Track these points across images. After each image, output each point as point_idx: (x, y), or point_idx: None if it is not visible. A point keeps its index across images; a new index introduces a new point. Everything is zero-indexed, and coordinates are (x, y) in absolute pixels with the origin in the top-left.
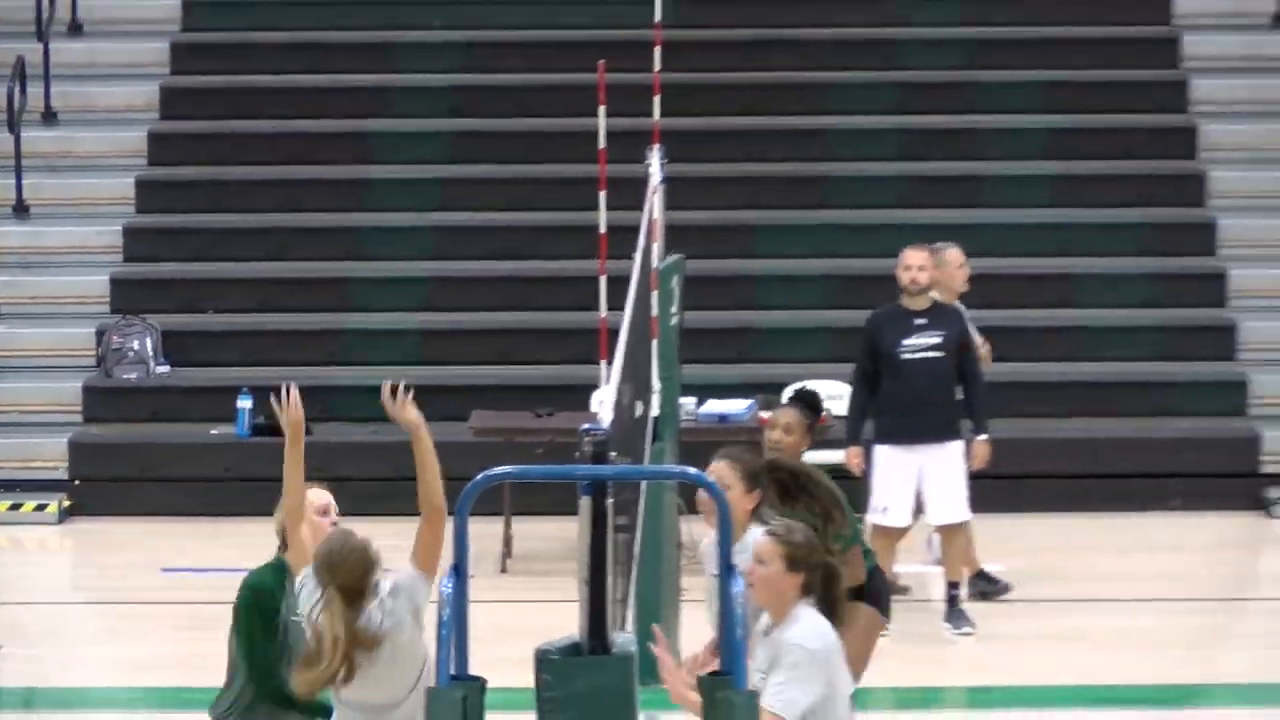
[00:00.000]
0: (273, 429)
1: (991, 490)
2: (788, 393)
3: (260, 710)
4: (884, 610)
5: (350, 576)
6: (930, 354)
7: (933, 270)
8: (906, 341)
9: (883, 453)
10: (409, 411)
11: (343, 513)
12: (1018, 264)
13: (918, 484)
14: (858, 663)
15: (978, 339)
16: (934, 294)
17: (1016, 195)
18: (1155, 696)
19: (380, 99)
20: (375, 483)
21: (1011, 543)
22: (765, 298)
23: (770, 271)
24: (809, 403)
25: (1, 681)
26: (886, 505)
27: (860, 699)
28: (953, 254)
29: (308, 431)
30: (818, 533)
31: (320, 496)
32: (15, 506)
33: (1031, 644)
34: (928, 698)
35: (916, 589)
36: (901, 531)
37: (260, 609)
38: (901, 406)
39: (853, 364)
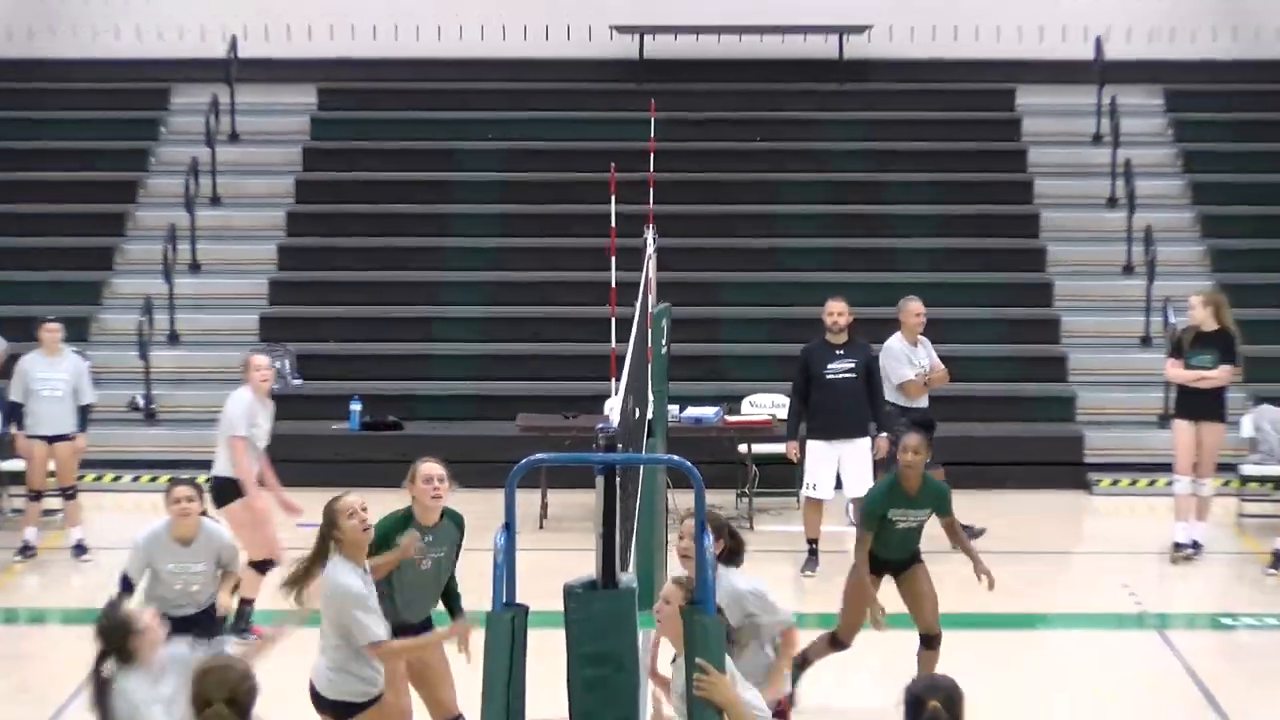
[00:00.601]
0: (375, 425)
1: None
2: (746, 403)
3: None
4: None
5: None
6: (846, 375)
7: (849, 315)
8: (830, 366)
9: (813, 446)
10: None
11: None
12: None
13: (838, 468)
14: None
15: (938, 364)
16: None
17: (910, 262)
18: (1006, 622)
19: (449, 190)
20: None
21: None
22: (728, 334)
23: (732, 316)
24: (927, 427)
25: None
26: (815, 483)
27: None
28: (913, 305)
29: (399, 427)
30: None
31: (433, 468)
32: (191, 480)
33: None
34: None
35: (837, 544)
36: (823, 503)
37: (376, 547)
38: (826, 413)
39: (790, 382)
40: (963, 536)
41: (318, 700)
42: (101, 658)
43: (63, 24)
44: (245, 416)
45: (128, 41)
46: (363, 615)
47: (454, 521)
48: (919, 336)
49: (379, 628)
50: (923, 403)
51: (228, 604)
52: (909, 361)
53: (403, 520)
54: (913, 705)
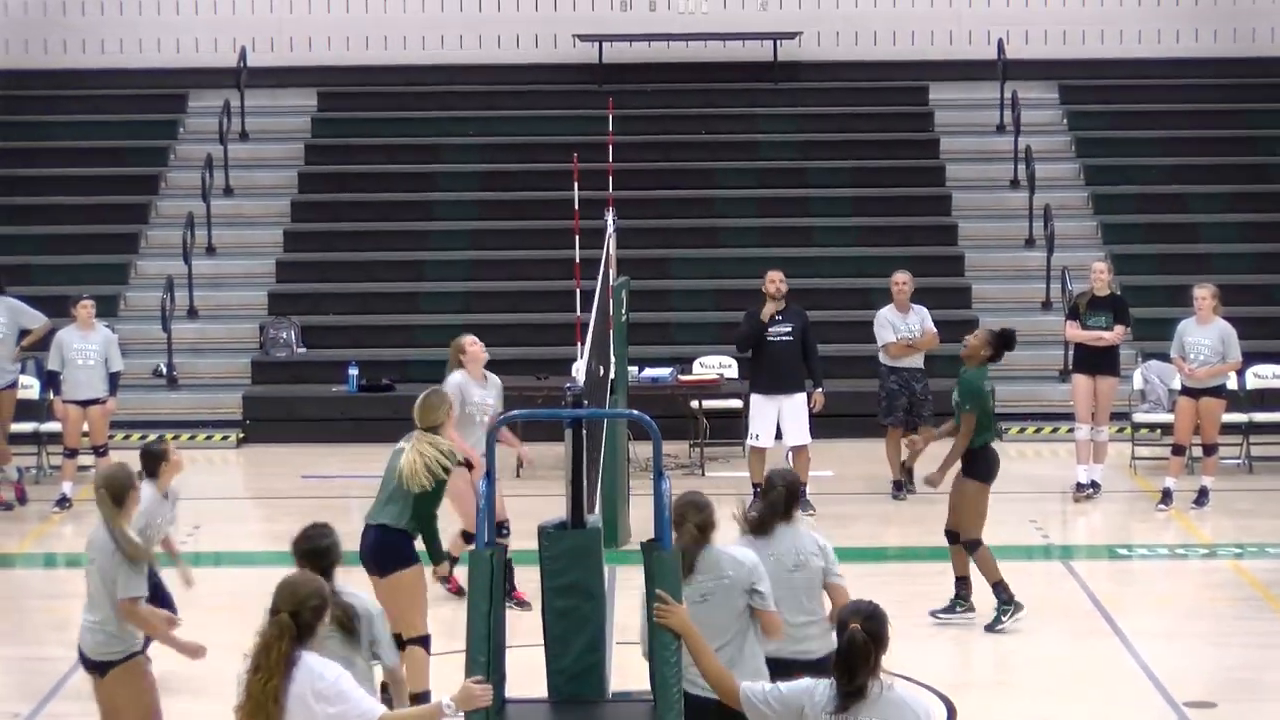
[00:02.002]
0: (371, 388)
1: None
2: (696, 364)
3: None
4: None
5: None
6: (785, 337)
7: (781, 284)
8: (770, 329)
9: (756, 400)
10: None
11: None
12: (831, 282)
13: (778, 420)
14: None
15: (928, 329)
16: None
17: (835, 239)
18: (927, 555)
19: (434, 180)
20: None
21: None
22: (679, 303)
23: (681, 288)
24: (1006, 339)
25: (196, 549)
26: (758, 434)
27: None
28: (896, 275)
29: (390, 388)
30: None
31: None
32: (208, 437)
33: (838, 521)
34: None
35: None
36: (766, 451)
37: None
38: (767, 370)
39: (732, 345)
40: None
41: None
42: (139, 471)
43: (91, 37)
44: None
45: (149, 53)
46: None
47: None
48: (912, 305)
49: None
50: (911, 362)
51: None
52: (890, 326)
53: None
54: (839, 628)
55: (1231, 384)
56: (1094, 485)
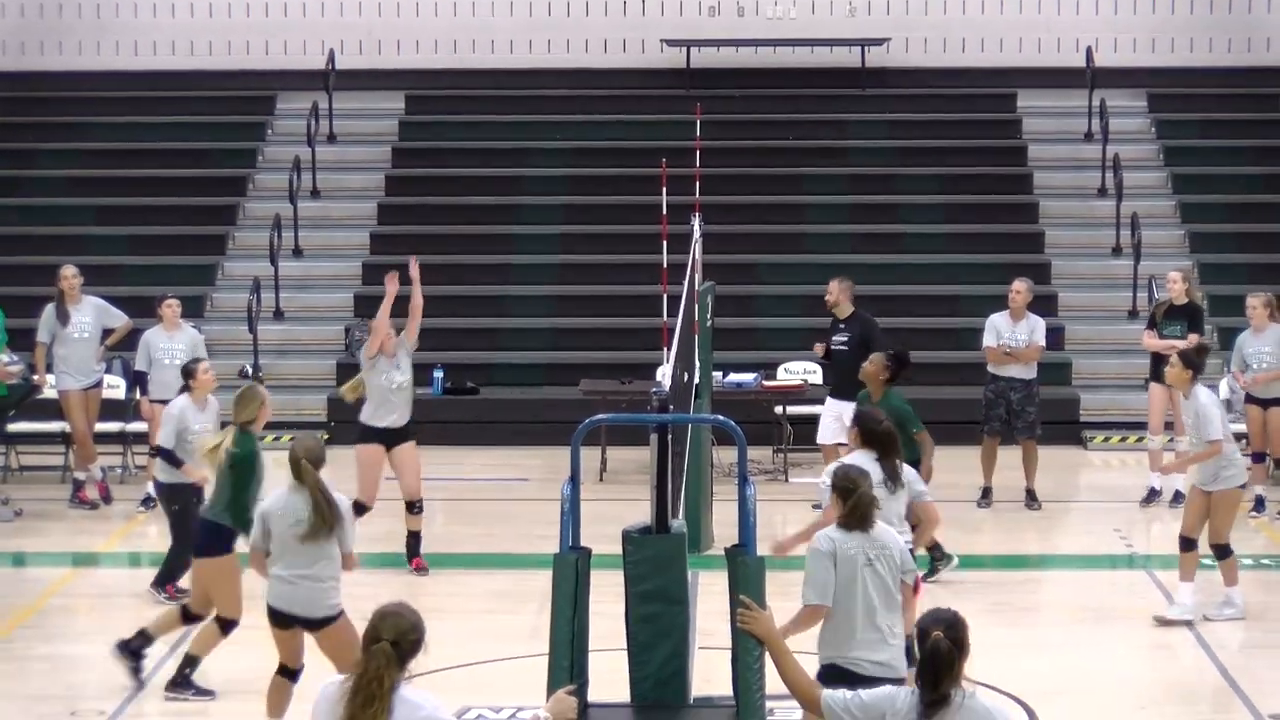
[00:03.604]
0: (455, 390)
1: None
2: (781, 370)
3: None
4: None
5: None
6: (842, 346)
7: (834, 293)
8: (834, 338)
9: (826, 402)
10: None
11: (497, 442)
12: (920, 289)
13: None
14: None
15: (1035, 342)
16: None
17: (923, 246)
18: (1012, 563)
19: (521, 184)
20: (520, 424)
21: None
22: (764, 309)
23: (767, 293)
24: (901, 359)
25: None
26: (820, 431)
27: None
28: (1014, 284)
29: (475, 391)
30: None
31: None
32: (293, 438)
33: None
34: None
35: None
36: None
37: None
38: (831, 376)
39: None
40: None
41: None
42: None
43: (181, 39)
44: None
45: (238, 55)
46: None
47: None
48: (1028, 314)
49: None
50: (1014, 371)
51: None
52: (995, 332)
53: None
54: (920, 636)
55: None
56: (1156, 494)
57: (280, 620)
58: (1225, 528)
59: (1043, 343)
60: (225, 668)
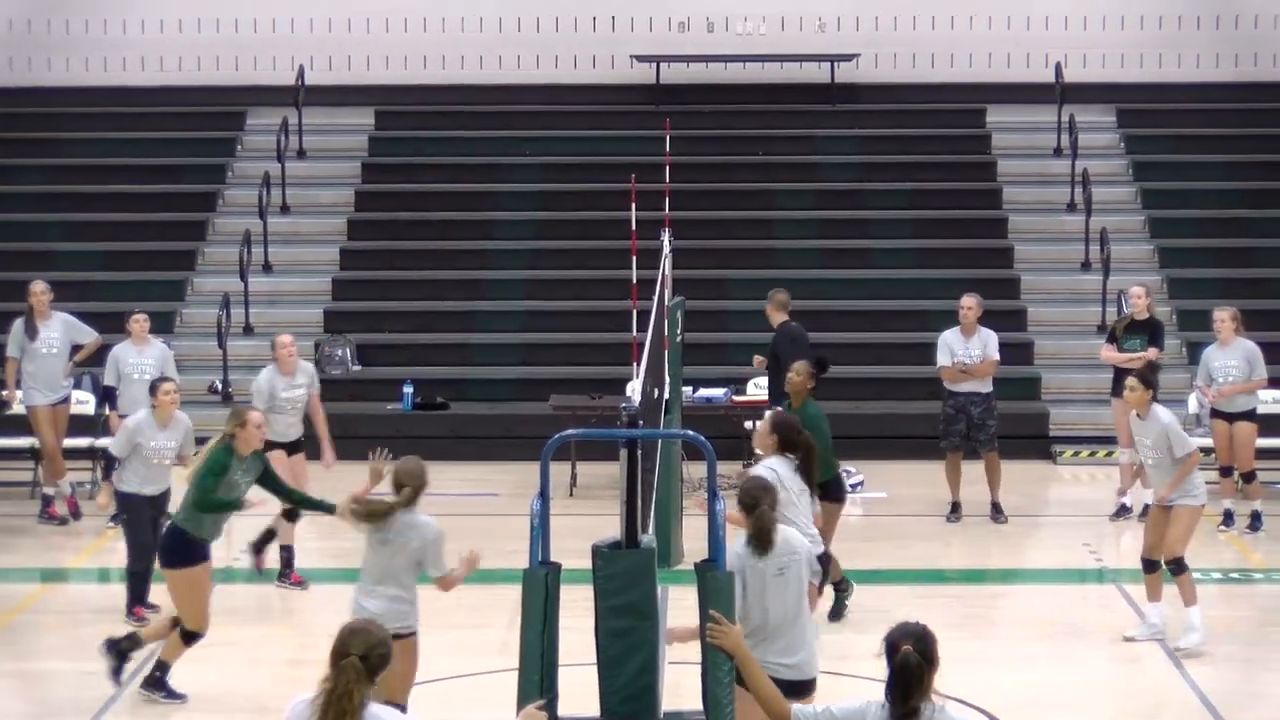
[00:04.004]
0: (425, 406)
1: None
2: (751, 385)
3: None
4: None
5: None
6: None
7: (767, 308)
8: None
9: None
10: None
11: (468, 458)
12: (889, 304)
13: None
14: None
15: (989, 357)
16: None
17: (890, 261)
18: (981, 577)
19: (492, 199)
20: (491, 440)
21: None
22: (734, 324)
23: (737, 309)
24: (820, 365)
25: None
26: None
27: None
28: (963, 300)
29: (446, 407)
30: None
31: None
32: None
33: (896, 542)
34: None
35: None
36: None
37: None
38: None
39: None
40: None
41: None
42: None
43: (150, 54)
44: None
45: (208, 70)
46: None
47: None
48: (979, 329)
49: None
50: (970, 386)
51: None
52: (949, 350)
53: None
54: (889, 650)
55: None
56: (1127, 510)
57: None
58: (1181, 543)
59: (997, 356)
60: (194, 679)
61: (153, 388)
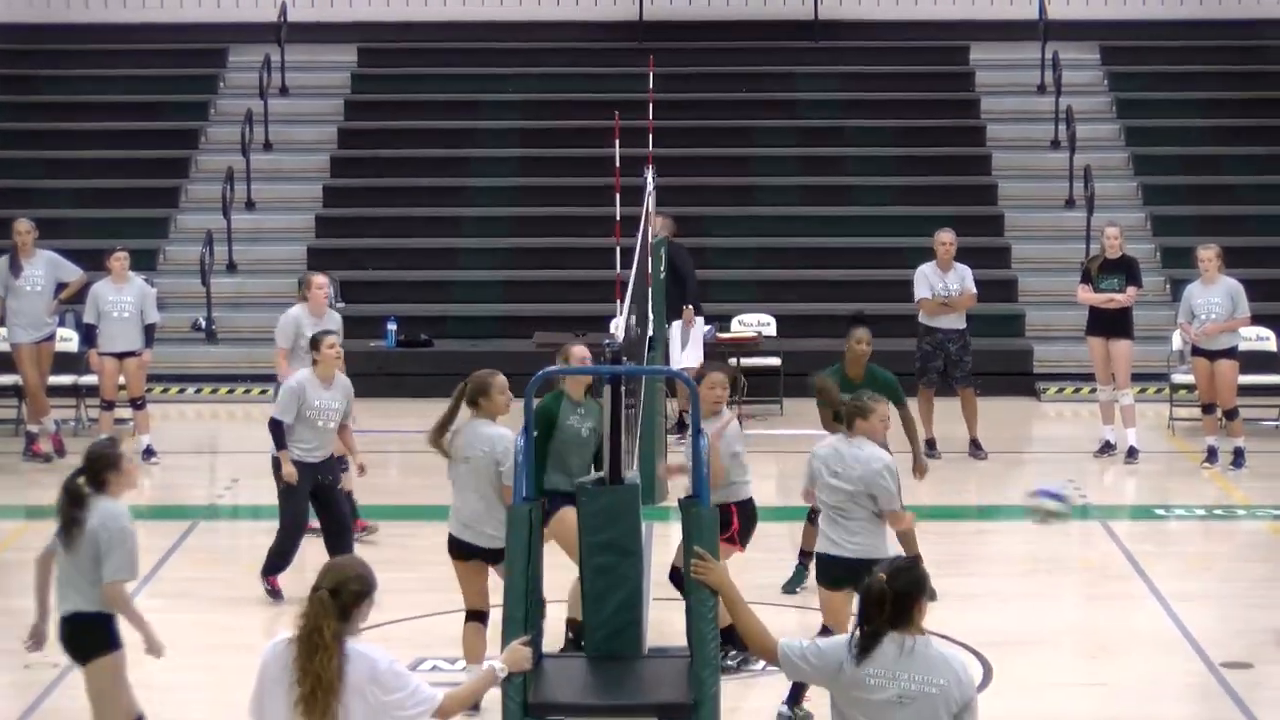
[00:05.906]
0: (409, 343)
1: None
2: (735, 322)
3: None
4: None
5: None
6: None
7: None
8: None
9: None
10: None
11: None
12: (869, 240)
13: None
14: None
15: (968, 289)
16: None
17: (871, 198)
18: (965, 514)
19: (474, 137)
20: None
21: None
22: (716, 261)
23: (718, 245)
24: (862, 321)
25: (235, 502)
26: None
27: None
28: (939, 235)
29: (429, 344)
30: None
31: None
32: (247, 391)
33: None
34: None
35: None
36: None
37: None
38: None
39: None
40: (912, 429)
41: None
42: (79, 474)
43: None
44: None
45: (190, 7)
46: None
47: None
48: (955, 264)
49: None
50: (948, 322)
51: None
52: (928, 283)
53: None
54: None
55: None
56: (1111, 447)
57: (461, 551)
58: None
59: (974, 290)
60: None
61: (314, 341)
